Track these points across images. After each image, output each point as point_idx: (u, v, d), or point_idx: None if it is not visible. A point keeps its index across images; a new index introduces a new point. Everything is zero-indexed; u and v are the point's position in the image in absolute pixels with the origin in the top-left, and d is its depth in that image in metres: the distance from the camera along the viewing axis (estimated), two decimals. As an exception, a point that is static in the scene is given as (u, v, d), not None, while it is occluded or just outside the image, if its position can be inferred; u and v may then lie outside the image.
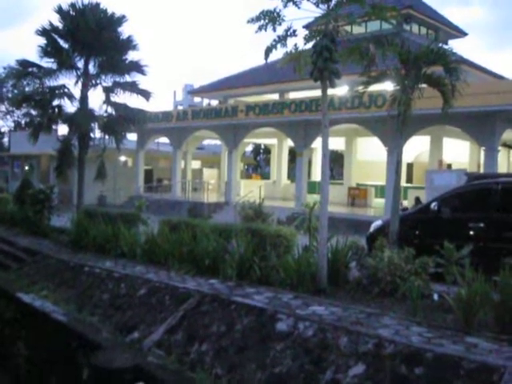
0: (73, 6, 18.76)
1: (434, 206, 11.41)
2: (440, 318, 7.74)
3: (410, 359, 6.10)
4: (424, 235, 11.40)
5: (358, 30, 24.49)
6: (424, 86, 12.26)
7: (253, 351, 7.37)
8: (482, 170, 22.60)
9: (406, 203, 22.57)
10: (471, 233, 10.67)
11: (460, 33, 37.42)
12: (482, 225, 10.61)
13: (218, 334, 8.07)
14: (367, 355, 6.43)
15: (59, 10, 18.81)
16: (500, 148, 22.79)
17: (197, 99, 46.30)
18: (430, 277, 9.10)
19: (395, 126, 12.23)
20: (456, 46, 38.20)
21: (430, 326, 7.27)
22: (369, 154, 31.98)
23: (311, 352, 6.85)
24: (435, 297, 8.74)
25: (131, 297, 10.39)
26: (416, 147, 28.12)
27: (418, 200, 19.80)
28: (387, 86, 15.10)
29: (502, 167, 27.20)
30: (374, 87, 13.56)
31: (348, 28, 11.10)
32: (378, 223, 13.13)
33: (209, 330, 8.23)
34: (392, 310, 8.21)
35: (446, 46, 13.33)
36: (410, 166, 33.37)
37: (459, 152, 28.83)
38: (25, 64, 19.09)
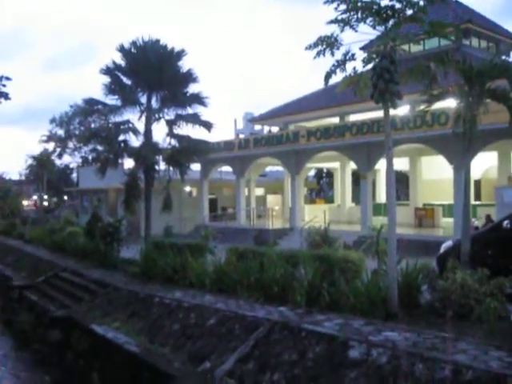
0: (134, 43, 19.41)
1: (506, 223, 11.03)
2: (520, 341, 7.42)
3: (491, 386, 5.86)
4: (498, 255, 11.00)
5: (415, 48, 24.26)
6: (489, 100, 11.96)
7: (325, 379, 7.25)
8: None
9: (476, 222, 21.91)
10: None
11: (522, 44, 36.44)
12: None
13: (289, 362, 7.99)
14: (444, 383, 6.20)
15: (121, 49, 19.49)
16: None
17: (257, 127, 46.59)
18: (506, 298, 8.76)
19: (460, 143, 11.93)
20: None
21: (511, 349, 6.96)
22: (434, 173, 31.27)
23: (386, 380, 6.67)
24: (514, 319, 8.39)
25: (201, 326, 10.44)
26: (483, 163, 27.35)
27: (488, 218, 19.24)
28: (450, 103, 14.81)
29: None
30: (436, 105, 13.32)
31: (406, 47, 10.95)
32: (448, 244, 12.78)
33: (280, 359, 8.15)
34: (468, 334, 7.93)
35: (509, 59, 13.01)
36: (477, 183, 32.40)
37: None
38: (91, 102, 19.83)
